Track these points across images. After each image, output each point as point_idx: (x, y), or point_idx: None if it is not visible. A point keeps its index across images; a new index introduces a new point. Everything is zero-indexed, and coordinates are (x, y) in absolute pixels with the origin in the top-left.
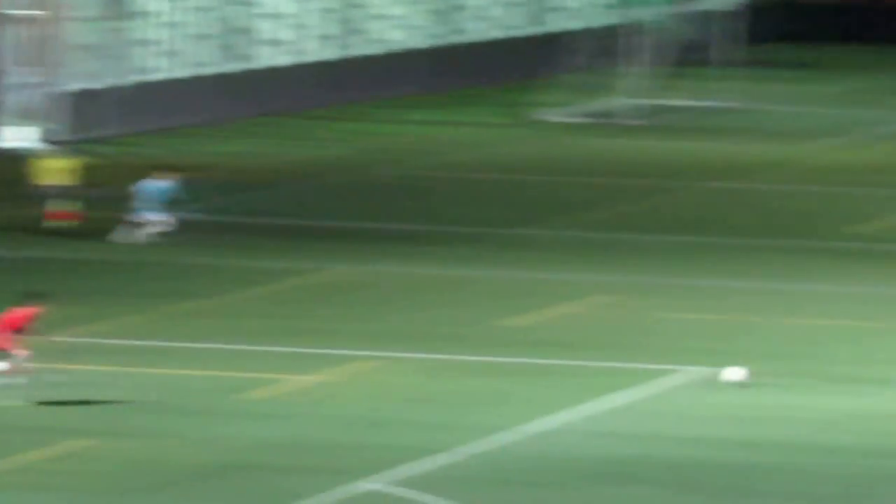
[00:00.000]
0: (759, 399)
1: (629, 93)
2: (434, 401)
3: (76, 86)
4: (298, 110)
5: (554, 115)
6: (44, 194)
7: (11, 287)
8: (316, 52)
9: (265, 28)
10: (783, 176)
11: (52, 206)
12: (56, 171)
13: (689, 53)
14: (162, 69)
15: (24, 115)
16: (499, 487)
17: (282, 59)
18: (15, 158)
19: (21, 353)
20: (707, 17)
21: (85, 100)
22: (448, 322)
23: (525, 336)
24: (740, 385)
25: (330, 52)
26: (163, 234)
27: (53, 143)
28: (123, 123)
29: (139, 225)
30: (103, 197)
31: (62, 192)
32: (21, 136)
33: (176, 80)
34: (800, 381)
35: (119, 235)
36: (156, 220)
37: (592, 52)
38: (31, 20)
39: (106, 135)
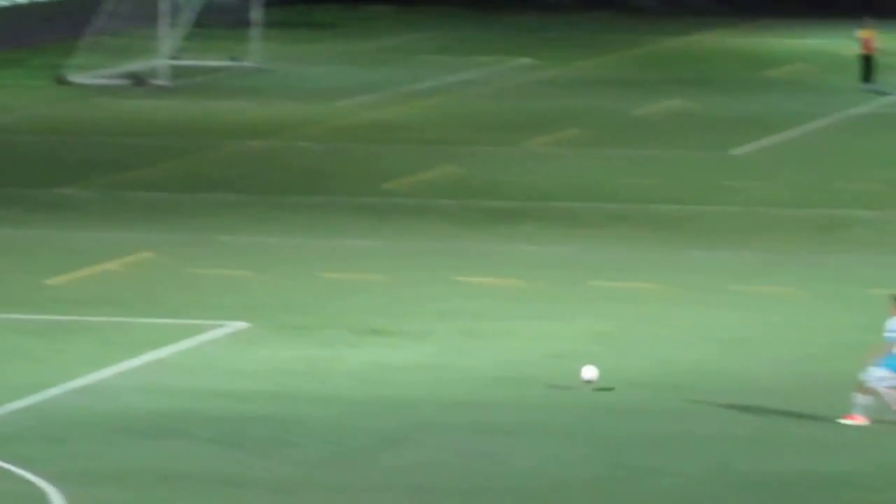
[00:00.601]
0: (294, 353)
1: (163, 54)
2: None
3: None
4: None
5: (89, 78)
6: None
7: None
8: None
9: None
10: (315, 135)
11: None
12: None
13: (221, 15)
14: None
15: None
16: (42, 443)
17: None
18: None
19: None
20: None
21: None
22: None
23: (67, 294)
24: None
25: None
26: None
27: None
28: None
29: None
30: None
31: None
32: None
33: None
34: (332, 333)
35: None
36: None
37: (129, 14)
38: None
39: None
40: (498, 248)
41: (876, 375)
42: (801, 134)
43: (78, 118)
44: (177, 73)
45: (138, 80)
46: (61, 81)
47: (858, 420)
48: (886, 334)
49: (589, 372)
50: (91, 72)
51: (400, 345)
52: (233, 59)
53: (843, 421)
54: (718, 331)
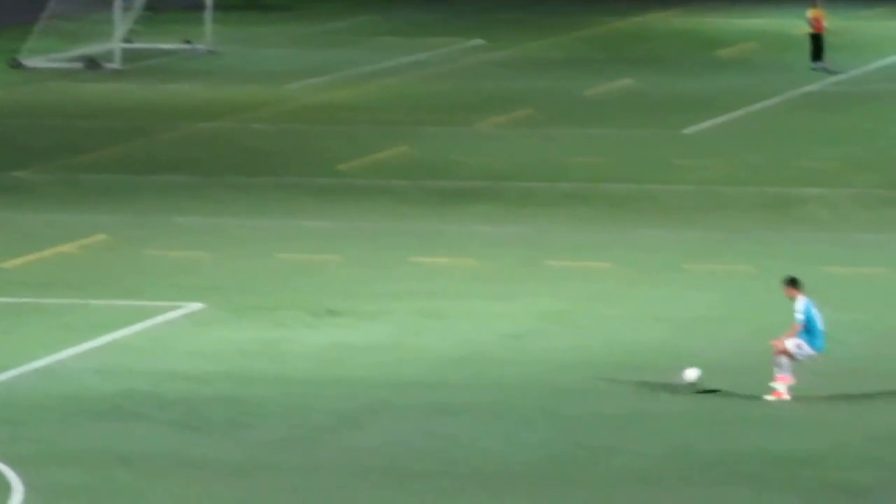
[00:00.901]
0: (251, 334)
1: (116, 38)
2: None
3: None
4: None
5: (41, 62)
6: None
7: None
8: None
9: None
10: (268, 116)
11: None
12: None
13: None
14: None
15: None
16: (6, 425)
17: None
18: None
19: None
20: None
21: None
22: None
23: (22, 277)
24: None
25: None
26: None
27: None
28: None
29: None
30: None
31: None
32: None
33: None
34: (289, 314)
35: None
36: None
37: None
38: None
39: None
40: (452, 229)
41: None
42: (752, 112)
43: (32, 102)
44: (129, 56)
45: (92, 63)
46: (15, 65)
47: (786, 381)
48: (797, 316)
49: (692, 374)
50: (45, 55)
51: (357, 325)
52: (186, 42)
53: (769, 398)
54: (673, 310)
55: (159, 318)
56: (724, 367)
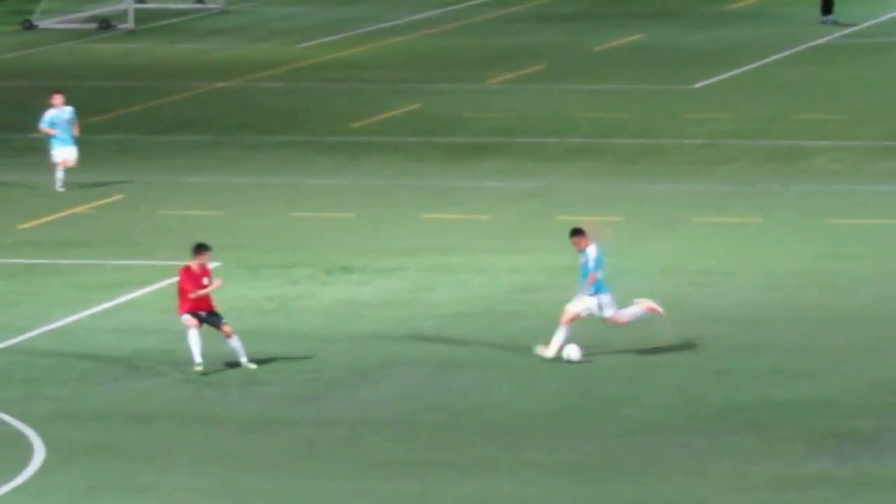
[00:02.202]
0: (268, 291)
1: None
2: None
3: None
4: None
5: (54, 22)
6: None
7: None
8: None
9: None
10: (280, 75)
11: None
12: None
13: None
14: None
15: None
16: (20, 385)
17: None
18: None
19: None
20: None
21: None
22: None
23: (38, 237)
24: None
25: None
26: None
27: None
28: None
29: None
30: None
31: None
32: None
33: None
34: (303, 271)
35: None
36: None
37: None
38: None
39: None
40: (464, 185)
41: (585, 305)
42: (761, 66)
43: (44, 63)
44: (142, 16)
45: (104, 23)
46: (28, 26)
47: (549, 351)
48: (588, 265)
49: (573, 352)
50: (57, 16)
51: (370, 281)
52: (199, 1)
53: (539, 351)
54: (682, 262)
55: (175, 278)
56: (733, 319)
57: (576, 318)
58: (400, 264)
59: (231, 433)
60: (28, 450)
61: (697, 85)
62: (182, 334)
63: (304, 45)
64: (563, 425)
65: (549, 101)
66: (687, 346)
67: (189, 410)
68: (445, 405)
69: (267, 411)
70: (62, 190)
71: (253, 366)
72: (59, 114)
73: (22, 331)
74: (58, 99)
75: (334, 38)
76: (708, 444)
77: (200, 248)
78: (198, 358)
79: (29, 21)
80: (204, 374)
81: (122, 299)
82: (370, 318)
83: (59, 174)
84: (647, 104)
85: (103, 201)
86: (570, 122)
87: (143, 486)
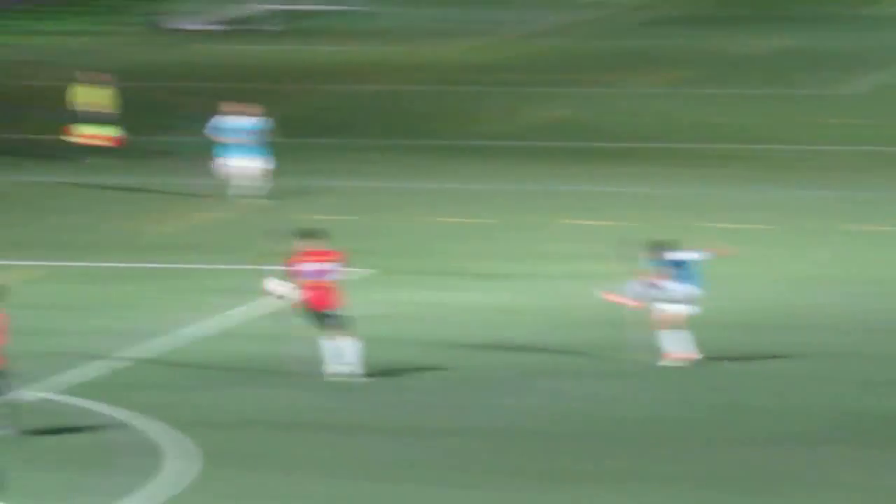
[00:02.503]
0: (411, 296)
1: None
2: (90, 307)
3: None
4: None
5: (186, 23)
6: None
7: None
8: None
9: None
10: (422, 78)
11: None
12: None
13: None
14: None
15: None
16: (162, 391)
17: None
18: None
19: None
20: None
21: None
22: (90, 230)
23: (171, 242)
24: (280, 297)
25: None
26: None
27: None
28: None
29: None
30: None
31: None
32: None
33: None
34: (443, 278)
35: None
36: None
37: None
38: None
39: None
40: (604, 190)
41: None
42: None
43: (175, 63)
44: (280, 17)
45: (244, 24)
46: (154, 27)
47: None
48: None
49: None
50: (190, 16)
51: (511, 288)
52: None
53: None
54: (834, 270)
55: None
56: (883, 329)
57: (673, 320)
58: (543, 271)
59: (373, 441)
60: (186, 457)
61: (844, 90)
62: (317, 342)
63: (449, 46)
64: (700, 434)
65: (692, 105)
66: (834, 355)
67: (327, 418)
68: (589, 413)
69: (409, 419)
70: (245, 200)
71: (358, 374)
72: (240, 122)
73: (157, 336)
74: (239, 107)
75: (470, 41)
76: (878, 457)
77: (308, 234)
78: (337, 364)
79: (156, 21)
80: (344, 379)
81: (263, 304)
82: (512, 324)
83: (245, 183)
84: (791, 109)
85: (244, 203)
86: (713, 127)
87: (289, 495)
